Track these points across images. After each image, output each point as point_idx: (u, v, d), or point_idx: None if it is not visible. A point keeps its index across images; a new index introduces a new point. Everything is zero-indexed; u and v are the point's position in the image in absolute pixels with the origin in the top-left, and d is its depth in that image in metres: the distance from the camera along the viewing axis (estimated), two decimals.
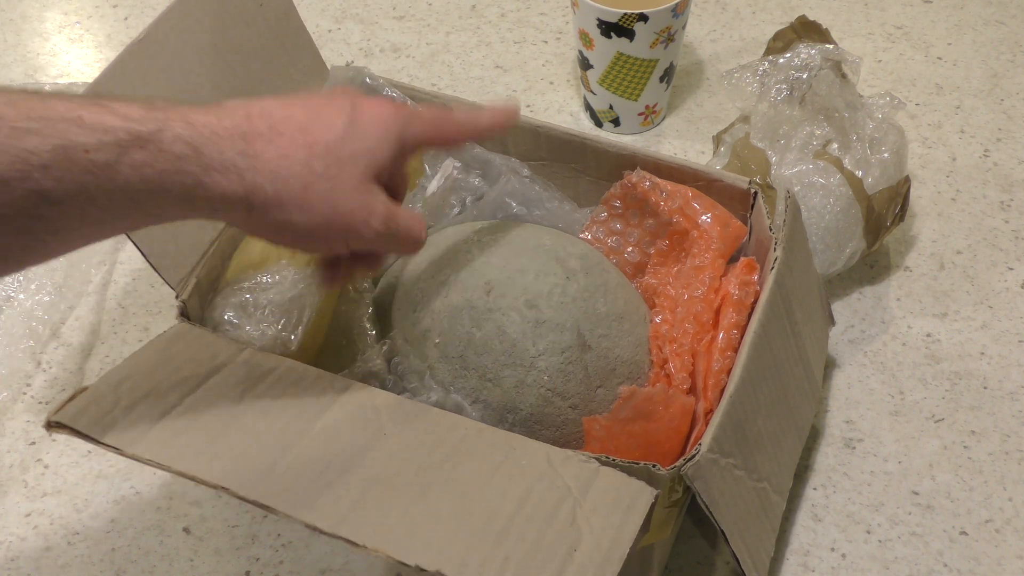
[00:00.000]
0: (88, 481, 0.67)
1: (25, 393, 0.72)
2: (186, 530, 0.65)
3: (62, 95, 0.42)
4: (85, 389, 0.50)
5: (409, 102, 0.68)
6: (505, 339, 0.55)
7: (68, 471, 0.68)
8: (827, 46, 0.75)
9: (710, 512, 0.50)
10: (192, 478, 0.47)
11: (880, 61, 0.93)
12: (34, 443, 0.69)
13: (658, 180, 0.62)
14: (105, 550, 0.64)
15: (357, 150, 0.48)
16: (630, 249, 0.65)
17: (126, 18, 1.01)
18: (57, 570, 0.63)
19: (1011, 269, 0.77)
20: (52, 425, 0.48)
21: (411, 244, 0.52)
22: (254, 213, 0.46)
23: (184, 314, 0.58)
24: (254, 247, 0.61)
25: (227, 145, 0.44)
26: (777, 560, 0.62)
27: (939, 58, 0.93)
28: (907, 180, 0.75)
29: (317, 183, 0.46)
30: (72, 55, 0.97)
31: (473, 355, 0.56)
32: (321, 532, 0.45)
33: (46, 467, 0.68)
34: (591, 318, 0.56)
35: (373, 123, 0.49)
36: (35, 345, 0.74)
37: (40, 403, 0.71)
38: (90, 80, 0.59)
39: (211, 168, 0.44)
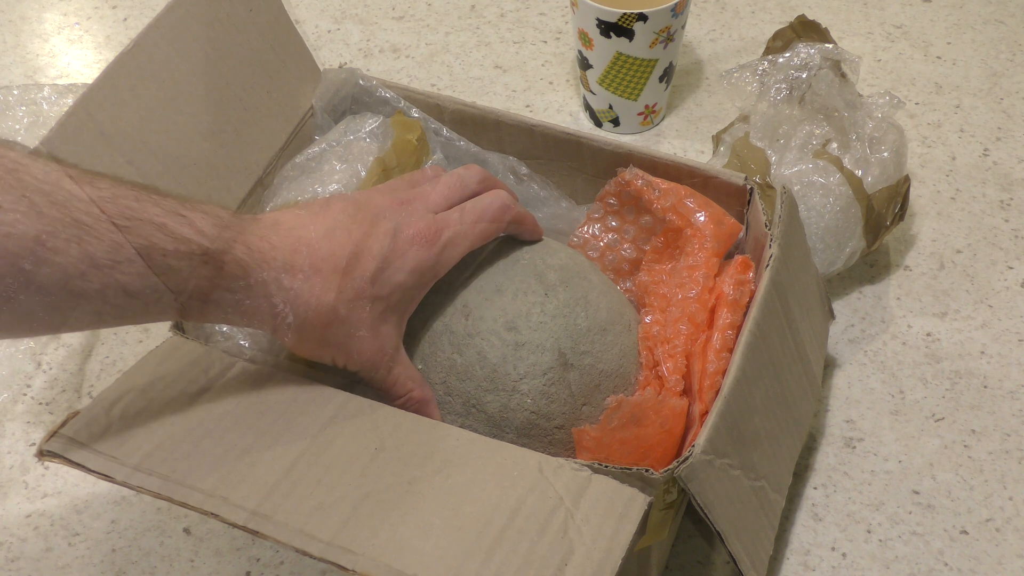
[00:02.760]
0: (88, 482, 0.67)
1: (25, 394, 0.72)
2: (187, 531, 0.65)
3: (151, 195, 0.45)
4: (77, 413, 0.50)
5: (403, 104, 0.68)
6: (486, 364, 0.55)
7: (68, 472, 0.68)
8: (826, 45, 0.75)
9: (705, 513, 0.50)
10: (183, 505, 0.47)
11: (879, 60, 0.93)
12: (34, 444, 0.70)
13: (651, 178, 0.62)
14: (105, 551, 0.64)
15: (381, 292, 0.52)
16: (626, 246, 0.65)
17: (125, 19, 1.01)
18: (57, 571, 0.63)
19: (1011, 268, 0.77)
20: (44, 454, 0.48)
21: (388, 399, 0.55)
22: (278, 332, 0.51)
23: (177, 326, 0.57)
24: None
25: (271, 276, 0.49)
26: (777, 560, 0.62)
27: (938, 57, 0.93)
28: (907, 179, 0.75)
29: (337, 325, 0.51)
30: (71, 56, 0.97)
31: (456, 381, 0.55)
32: (311, 557, 0.45)
33: (46, 468, 0.68)
34: (572, 335, 0.56)
35: (408, 258, 0.53)
36: (35, 346, 0.74)
37: (40, 404, 0.72)
38: (89, 81, 0.59)
39: (254, 292, 0.48)
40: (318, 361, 0.53)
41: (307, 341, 0.51)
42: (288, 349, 0.55)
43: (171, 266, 0.45)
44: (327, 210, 0.53)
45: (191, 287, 0.46)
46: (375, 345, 0.53)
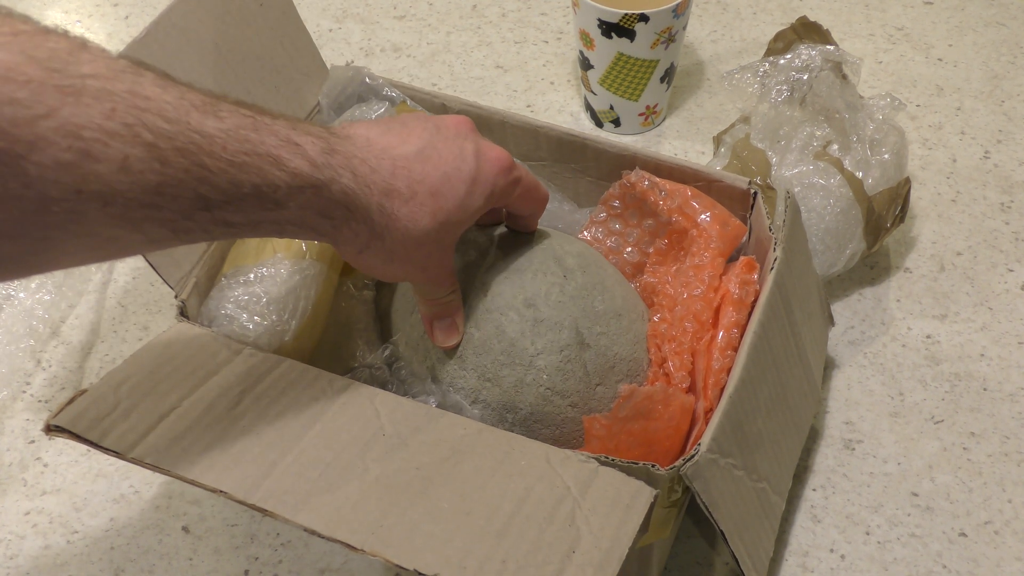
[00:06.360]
0: (87, 480, 0.67)
1: (25, 392, 0.72)
2: (185, 529, 0.65)
3: (265, 119, 0.44)
4: (84, 391, 0.50)
5: (408, 102, 0.69)
6: (504, 339, 0.55)
7: (67, 470, 0.68)
8: (828, 47, 0.75)
9: (709, 512, 0.50)
10: (191, 482, 0.47)
11: (881, 62, 0.93)
12: (33, 441, 0.69)
13: (657, 179, 0.62)
14: (104, 548, 0.64)
15: (464, 217, 0.52)
16: (629, 249, 0.65)
17: (127, 17, 1.01)
18: (56, 569, 0.63)
19: (1011, 271, 0.77)
20: (52, 429, 0.48)
21: (434, 295, 0.56)
22: (363, 254, 0.50)
23: (183, 314, 0.58)
24: (250, 241, 0.61)
25: (373, 200, 0.48)
26: (776, 561, 0.62)
27: (940, 59, 0.93)
28: (907, 181, 0.75)
29: (426, 247, 0.51)
30: None
31: (472, 355, 0.56)
32: (319, 535, 0.45)
33: (45, 465, 0.68)
34: (589, 316, 0.56)
35: (487, 181, 0.53)
36: (35, 344, 0.74)
37: (40, 402, 0.71)
38: None
39: (352, 219, 0.48)
40: (378, 278, 0.53)
41: (395, 262, 0.51)
42: (359, 269, 0.55)
43: (279, 201, 0.44)
44: (409, 128, 0.52)
45: (293, 216, 0.46)
46: (448, 263, 0.54)
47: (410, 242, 0.50)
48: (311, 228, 0.47)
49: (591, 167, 0.67)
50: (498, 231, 0.60)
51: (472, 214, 0.52)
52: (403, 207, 0.49)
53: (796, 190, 0.71)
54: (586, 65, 0.84)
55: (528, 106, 0.91)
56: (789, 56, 0.75)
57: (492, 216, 0.60)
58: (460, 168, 0.51)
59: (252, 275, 0.58)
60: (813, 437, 0.68)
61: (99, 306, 0.77)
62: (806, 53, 0.75)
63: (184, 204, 0.41)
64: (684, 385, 0.56)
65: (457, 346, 0.56)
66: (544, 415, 0.55)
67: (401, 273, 0.53)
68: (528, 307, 0.56)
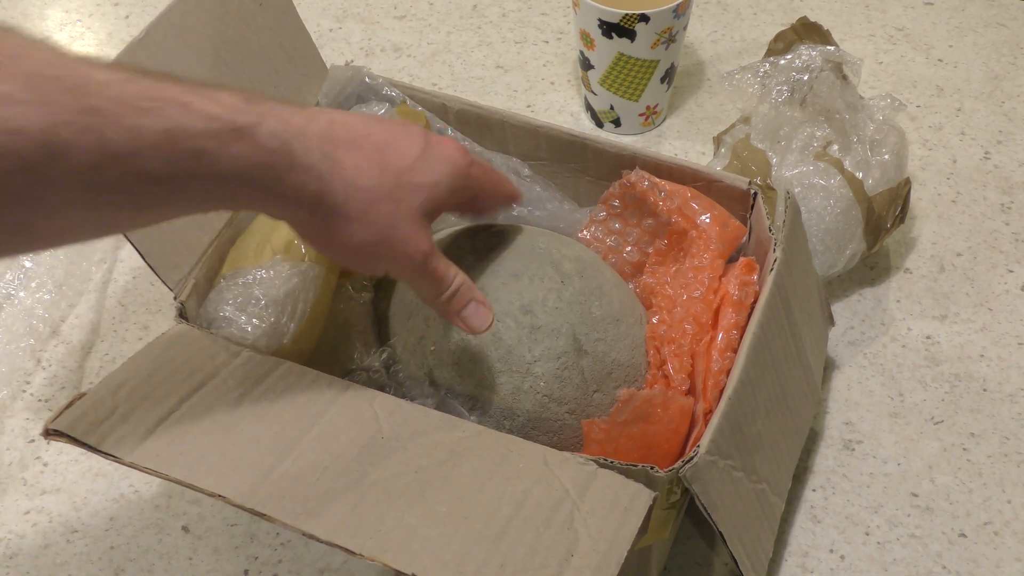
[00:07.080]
0: (87, 479, 0.67)
1: (25, 391, 0.72)
2: (185, 528, 0.65)
3: (170, 77, 0.42)
4: (83, 395, 0.50)
5: (408, 101, 0.69)
6: (500, 346, 0.55)
7: (67, 469, 0.68)
8: (828, 47, 0.75)
9: (708, 514, 0.50)
10: (189, 486, 0.47)
11: (881, 63, 0.93)
12: (33, 441, 0.69)
13: (656, 180, 0.62)
14: (104, 548, 0.64)
15: (424, 181, 0.50)
16: (629, 249, 0.65)
17: (127, 16, 1.01)
18: (56, 568, 0.63)
19: (1011, 271, 0.77)
20: (50, 433, 0.48)
21: (435, 292, 0.52)
22: (316, 217, 0.47)
23: (182, 315, 0.58)
24: (249, 243, 0.61)
25: (314, 145, 0.46)
26: (776, 562, 0.62)
27: (940, 60, 0.93)
28: (907, 182, 0.75)
29: (383, 202, 0.48)
30: None
31: (469, 362, 0.55)
32: (318, 540, 0.45)
33: (45, 465, 0.68)
34: (586, 322, 0.56)
35: (442, 158, 0.51)
36: (35, 343, 0.74)
37: (40, 401, 0.71)
38: None
39: (295, 166, 0.45)
40: (357, 258, 0.49)
41: (352, 222, 0.48)
42: (329, 260, 0.53)
43: (200, 147, 0.41)
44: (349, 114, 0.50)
45: (226, 169, 0.42)
46: (416, 230, 0.50)
47: (363, 195, 0.47)
48: (253, 184, 0.44)
49: (591, 167, 0.67)
50: (493, 234, 0.60)
51: (431, 183, 0.50)
52: (348, 155, 0.47)
53: (796, 190, 0.71)
54: (586, 65, 0.84)
55: (528, 106, 0.90)
56: (789, 56, 0.75)
57: (471, 208, 0.57)
58: (408, 135, 0.50)
59: (251, 277, 0.58)
60: (813, 438, 0.68)
61: (99, 306, 0.77)
62: (806, 53, 0.75)
63: (85, 151, 0.38)
64: (683, 387, 0.56)
65: (489, 327, 0.53)
66: (541, 422, 0.55)
67: (366, 243, 0.49)
68: (525, 314, 0.55)
